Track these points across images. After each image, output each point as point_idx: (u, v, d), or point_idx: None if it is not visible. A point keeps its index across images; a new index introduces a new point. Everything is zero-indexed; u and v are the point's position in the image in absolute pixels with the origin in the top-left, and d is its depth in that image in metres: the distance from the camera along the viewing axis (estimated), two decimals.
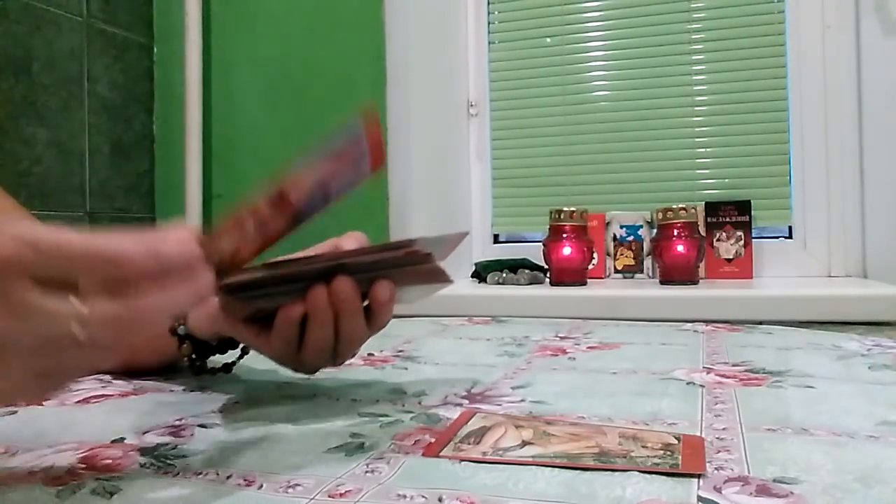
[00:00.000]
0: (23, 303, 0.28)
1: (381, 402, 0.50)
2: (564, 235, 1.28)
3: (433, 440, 0.40)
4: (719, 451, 0.37)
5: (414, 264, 0.46)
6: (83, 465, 0.36)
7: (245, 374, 0.61)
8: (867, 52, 1.27)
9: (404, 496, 0.32)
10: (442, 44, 1.49)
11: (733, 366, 0.61)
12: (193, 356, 0.57)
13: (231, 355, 0.60)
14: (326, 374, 0.60)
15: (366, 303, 0.47)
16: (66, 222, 1.35)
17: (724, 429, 0.42)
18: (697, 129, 1.41)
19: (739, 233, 1.33)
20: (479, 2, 1.55)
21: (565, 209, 1.29)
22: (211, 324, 0.53)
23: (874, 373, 0.58)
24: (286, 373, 0.61)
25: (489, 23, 1.55)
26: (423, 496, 0.31)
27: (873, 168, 1.27)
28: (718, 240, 1.34)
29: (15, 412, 0.48)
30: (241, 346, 0.58)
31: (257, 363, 0.67)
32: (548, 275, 1.33)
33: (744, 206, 1.33)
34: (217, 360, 0.59)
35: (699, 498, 0.31)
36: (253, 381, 0.58)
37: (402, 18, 1.34)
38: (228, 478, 0.34)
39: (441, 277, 0.48)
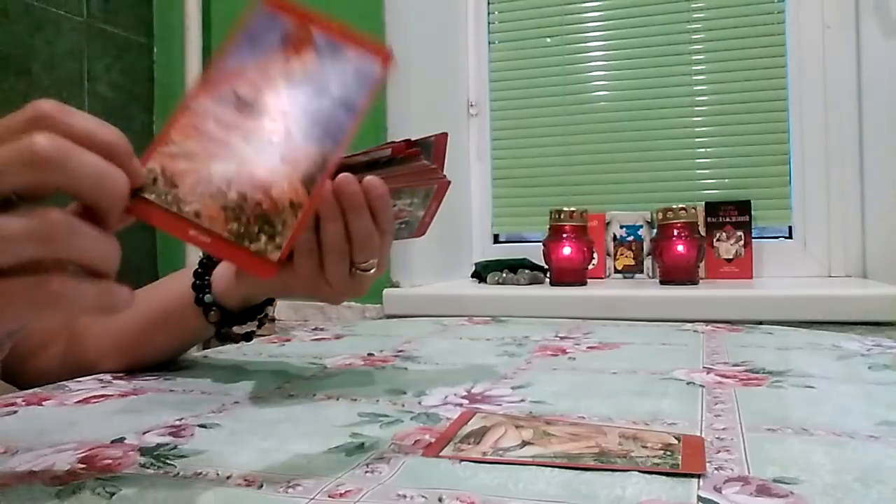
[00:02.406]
0: None
1: (381, 402, 0.50)
2: (564, 235, 1.28)
3: (433, 440, 0.40)
4: (719, 451, 0.37)
5: (404, 162, 0.51)
6: (83, 465, 0.36)
7: (245, 374, 0.61)
8: (867, 52, 1.27)
9: (404, 496, 0.31)
10: (442, 44, 1.49)
11: (733, 366, 0.61)
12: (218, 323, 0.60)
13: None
14: (326, 374, 0.60)
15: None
16: None
17: (724, 429, 0.42)
18: (697, 129, 1.41)
19: (739, 233, 1.33)
20: (479, 2, 1.55)
21: (565, 209, 1.29)
22: (236, 285, 0.57)
23: (874, 373, 0.58)
24: (286, 373, 0.61)
25: (489, 23, 1.55)
26: (423, 496, 0.31)
27: (873, 168, 1.27)
28: (718, 240, 1.34)
29: (15, 412, 0.48)
30: (258, 316, 0.62)
31: (258, 363, 0.67)
32: (548, 275, 1.33)
33: (744, 206, 1.33)
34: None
35: (699, 498, 0.31)
36: (253, 381, 0.58)
37: (402, 18, 1.34)
38: (228, 478, 0.34)
39: (434, 175, 0.53)
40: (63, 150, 0.29)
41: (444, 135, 0.55)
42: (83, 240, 0.29)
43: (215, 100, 0.36)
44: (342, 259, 0.50)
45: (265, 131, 0.36)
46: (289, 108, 0.37)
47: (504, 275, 1.35)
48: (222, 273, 0.59)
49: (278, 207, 0.35)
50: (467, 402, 0.50)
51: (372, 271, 0.52)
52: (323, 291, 0.53)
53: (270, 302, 0.62)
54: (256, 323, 0.62)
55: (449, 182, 0.57)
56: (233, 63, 0.36)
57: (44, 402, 0.51)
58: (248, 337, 0.63)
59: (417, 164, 0.52)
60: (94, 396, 0.53)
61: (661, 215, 1.27)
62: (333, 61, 0.38)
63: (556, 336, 0.81)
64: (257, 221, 0.35)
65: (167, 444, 0.40)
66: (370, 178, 0.49)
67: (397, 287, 1.32)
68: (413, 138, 0.53)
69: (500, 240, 1.57)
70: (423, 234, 0.64)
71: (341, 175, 0.48)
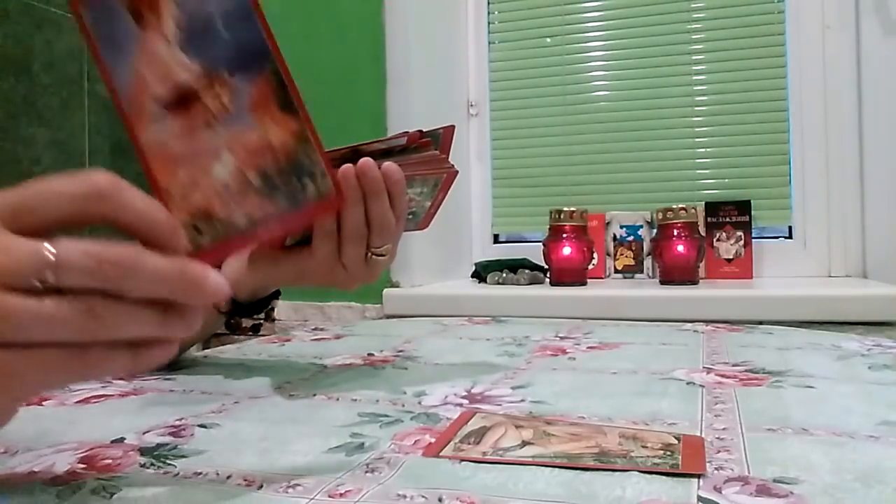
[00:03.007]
0: None
1: (381, 402, 0.50)
2: (564, 235, 1.28)
3: (433, 440, 0.40)
4: (719, 451, 0.37)
5: (417, 151, 0.54)
6: (83, 465, 0.36)
7: (245, 374, 0.61)
8: (867, 52, 1.27)
9: (404, 496, 0.31)
10: (442, 44, 1.49)
11: (733, 366, 0.61)
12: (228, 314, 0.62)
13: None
14: (326, 374, 0.60)
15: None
16: None
17: (724, 429, 0.42)
18: (697, 129, 1.41)
19: (739, 233, 1.33)
20: (479, 2, 1.55)
21: (565, 209, 1.29)
22: (249, 275, 0.59)
23: (874, 373, 0.58)
24: (286, 373, 0.61)
25: (489, 23, 1.55)
26: (423, 496, 0.31)
27: (873, 168, 1.27)
28: (718, 240, 1.34)
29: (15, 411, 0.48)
30: (266, 308, 0.64)
31: (258, 363, 0.67)
32: (548, 275, 1.33)
33: (744, 206, 1.33)
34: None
35: (699, 498, 0.31)
36: (253, 381, 0.58)
37: (402, 18, 1.34)
38: (228, 478, 0.34)
39: (444, 165, 0.56)
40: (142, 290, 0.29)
41: (452, 127, 0.58)
42: (127, 322, 0.28)
43: (152, 123, 0.33)
44: (360, 243, 0.52)
45: (213, 104, 0.34)
46: (202, 66, 0.33)
47: (504, 275, 1.35)
48: (233, 263, 0.60)
49: (290, 150, 0.34)
50: (467, 402, 0.50)
51: (385, 257, 0.54)
52: (338, 276, 0.55)
53: (277, 295, 0.64)
54: (263, 315, 0.63)
55: (457, 172, 0.60)
56: (123, 80, 0.34)
57: (44, 402, 0.51)
58: (255, 328, 0.64)
59: (429, 154, 0.55)
60: (94, 396, 0.53)
61: (661, 215, 1.27)
62: None
63: (556, 336, 0.80)
64: (290, 176, 0.34)
65: (167, 444, 0.40)
66: (389, 164, 0.51)
67: (397, 287, 1.32)
68: (423, 130, 0.55)
69: (500, 240, 1.57)
70: (427, 226, 0.65)
71: (363, 160, 0.51)
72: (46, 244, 0.27)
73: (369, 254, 0.54)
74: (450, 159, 0.59)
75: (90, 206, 0.28)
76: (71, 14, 0.34)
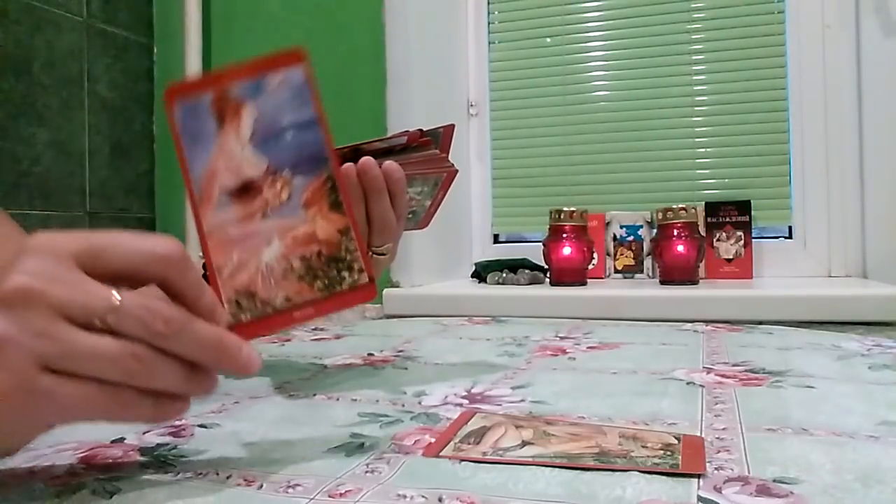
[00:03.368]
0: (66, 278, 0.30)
1: (381, 402, 0.50)
2: (564, 235, 1.28)
3: (433, 440, 0.40)
4: (719, 451, 0.37)
5: (418, 150, 0.55)
6: (83, 465, 0.36)
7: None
8: (867, 52, 1.27)
9: (404, 496, 0.32)
10: (442, 44, 1.49)
11: (733, 366, 0.61)
12: None
13: None
14: (326, 374, 0.60)
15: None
16: (66, 222, 1.35)
17: (724, 429, 0.42)
18: (697, 129, 1.41)
19: (739, 233, 1.33)
20: (479, 2, 1.55)
21: (565, 209, 1.29)
22: None
23: (874, 373, 0.58)
24: (286, 373, 0.61)
25: (489, 23, 1.55)
26: (423, 496, 0.31)
27: (873, 168, 1.27)
28: (718, 240, 1.34)
29: None
30: None
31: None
32: (548, 275, 1.33)
33: (744, 206, 1.33)
34: None
35: (699, 498, 0.31)
36: (253, 381, 0.58)
37: (402, 18, 1.34)
38: (228, 478, 0.34)
39: (444, 164, 0.56)
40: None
41: (452, 126, 0.58)
42: (163, 374, 0.32)
43: (216, 209, 0.38)
44: (361, 242, 0.52)
45: (272, 198, 0.38)
46: (268, 163, 0.38)
47: (504, 275, 1.35)
48: None
49: (334, 243, 0.38)
50: (467, 402, 0.50)
51: (386, 256, 0.54)
52: None
53: None
54: None
55: (457, 171, 0.60)
56: (198, 170, 0.38)
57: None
58: None
59: (430, 152, 0.56)
60: None
61: (661, 215, 1.27)
62: (265, 97, 0.39)
63: (556, 336, 0.81)
64: (330, 266, 0.38)
65: (167, 444, 0.40)
66: (389, 163, 0.51)
67: (397, 287, 1.32)
68: (423, 129, 0.56)
69: (500, 240, 1.57)
70: (427, 225, 0.65)
71: (364, 158, 0.51)
72: (114, 291, 0.31)
73: (370, 253, 0.54)
74: (450, 158, 0.59)
75: (156, 267, 0.32)
76: (164, 108, 0.38)
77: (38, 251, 0.30)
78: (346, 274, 0.38)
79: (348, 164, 0.51)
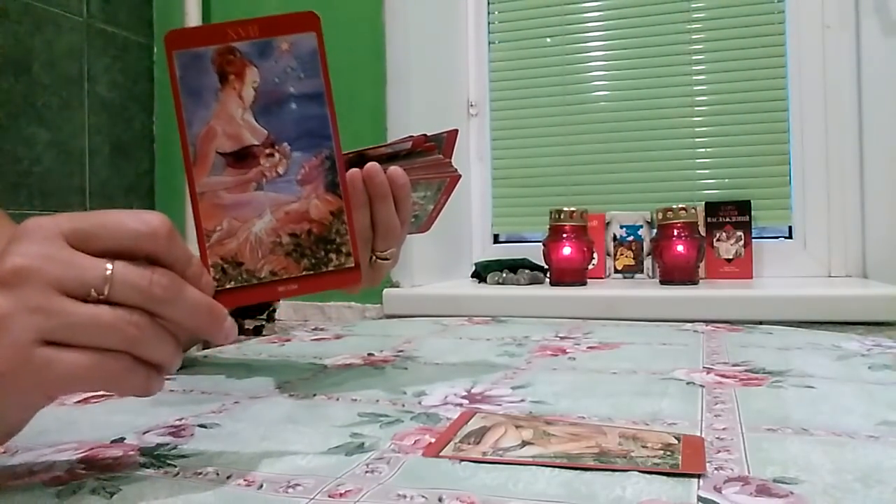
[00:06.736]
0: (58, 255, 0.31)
1: (381, 402, 0.50)
2: (564, 235, 1.28)
3: (433, 440, 0.40)
4: (719, 451, 0.37)
5: (421, 155, 0.55)
6: (83, 465, 0.36)
7: (245, 373, 0.61)
8: (867, 52, 1.27)
9: (404, 496, 0.31)
10: (442, 44, 1.49)
11: (733, 366, 0.61)
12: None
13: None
14: (326, 374, 0.60)
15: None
16: None
17: (724, 429, 0.42)
18: (697, 129, 1.41)
19: (739, 233, 1.33)
20: (479, 2, 1.55)
21: (565, 209, 1.29)
22: None
23: (874, 373, 0.58)
24: (286, 373, 0.61)
25: (489, 23, 1.55)
26: (423, 496, 0.31)
27: (873, 168, 1.27)
28: (718, 240, 1.34)
29: None
30: (267, 311, 0.65)
31: (258, 363, 0.67)
32: (548, 275, 1.33)
33: (744, 206, 1.33)
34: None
35: (699, 498, 0.31)
36: (253, 381, 0.58)
37: (402, 18, 1.34)
38: (228, 478, 0.34)
39: (448, 169, 0.57)
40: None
41: (455, 131, 0.59)
42: (158, 343, 0.32)
43: (210, 172, 0.37)
44: (365, 247, 0.53)
45: (268, 169, 0.37)
46: (268, 133, 0.37)
47: (504, 275, 1.35)
48: None
49: (325, 224, 0.38)
50: (467, 402, 0.50)
51: (390, 261, 0.54)
52: None
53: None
54: (265, 316, 0.64)
55: (460, 176, 0.60)
56: (195, 127, 0.37)
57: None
58: (257, 330, 0.64)
59: (434, 158, 0.56)
60: (94, 396, 0.53)
61: (661, 215, 1.27)
62: (271, 61, 0.37)
63: (556, 336, 0.80)
64: (318, 246, 0.38)
65: (167, 444, 0.40)
66: (394, 169, 0.51)
67: (397, 287, 1.32)
68: (427, 134, 0.56)
69: (500, 240, 1.57)
70: (429, 228, 0.66)
71: (369, 164, 0.51)
72: (106, 261, 0.31)
73: (373, 257, 0.54)
74: (453, 163, 0.59)
75: (144, 243, 0.32)
76: (165, 59, 0.37)
77: (29, 234, 0.31)
78: (333, 256, 0.38)
79: (354, 170, 0.51)
